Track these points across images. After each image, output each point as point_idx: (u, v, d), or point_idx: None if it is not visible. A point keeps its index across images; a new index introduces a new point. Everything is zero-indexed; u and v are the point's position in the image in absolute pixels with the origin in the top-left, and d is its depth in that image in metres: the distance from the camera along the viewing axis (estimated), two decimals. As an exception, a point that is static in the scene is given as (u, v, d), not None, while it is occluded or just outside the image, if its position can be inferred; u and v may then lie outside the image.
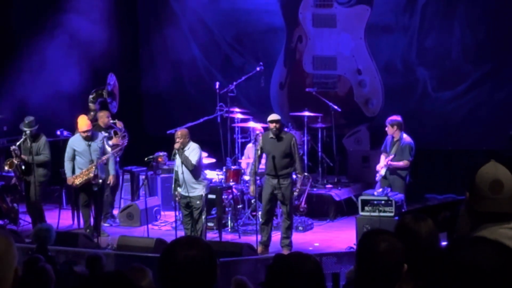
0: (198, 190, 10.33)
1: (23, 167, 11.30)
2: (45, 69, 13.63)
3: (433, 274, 3.38)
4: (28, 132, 11.10)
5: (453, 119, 13.41)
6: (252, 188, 10.74)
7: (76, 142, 10.93)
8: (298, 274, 2.95)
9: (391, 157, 11.05)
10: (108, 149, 10.86)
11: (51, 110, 12.86)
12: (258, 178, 11.28)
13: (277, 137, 10.27)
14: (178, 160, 10.27)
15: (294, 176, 10.42)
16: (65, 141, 11.44)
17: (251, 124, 12.25)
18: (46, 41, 13.49)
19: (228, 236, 11.22)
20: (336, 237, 11.30)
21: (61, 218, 12.02)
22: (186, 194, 10.28)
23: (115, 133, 11.95)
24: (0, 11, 14.34)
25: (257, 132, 11.67)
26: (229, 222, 11.52)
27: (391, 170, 11.11)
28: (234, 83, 12.71)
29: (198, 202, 10.31)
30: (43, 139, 11.34)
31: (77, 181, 10.86)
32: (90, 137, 10.83)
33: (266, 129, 10.83)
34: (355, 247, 9.45)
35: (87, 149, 10.81)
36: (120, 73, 13.53)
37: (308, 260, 3.01)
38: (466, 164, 11.96)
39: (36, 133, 11.24)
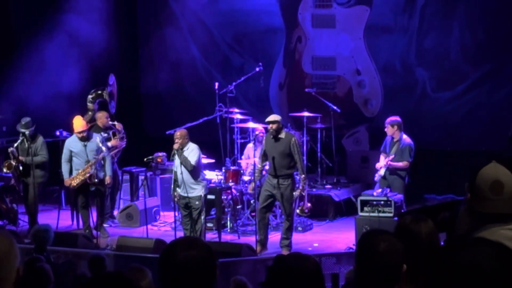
0: (197, 190, 10.34)
1: (21, 169, 11.29)
2: (44, 69, 13.62)
3: (433, 275, 3.38)
4: (27, 133, 11.09)
5: (452, 120, 13.41)
6: (251, 186, 10.80)
7: (72, 143, 10.93)
8: (297, 275, 2.96)
9: (391, 157, 11.05)
10: (103, 148, 10.82)
11: (50, 110, 12.86)
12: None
13: (276, 138, 10.29)
14: (177, 160, 10.27)
15: (297, 177, 10.41)
16: (64, 141, 11.43)
17: (251, 124, 12.25)
18: (46, 42, 13.50)
19: (227, 237, 11.22)
20: (335, 237, 11.30)
21: (60, 219, 12.02)
22: (185, 195, 10.28)
23: (114, 134, 11.94)
24: (0, 11, 14.33)
25: (257, 132, 11.66)
26: (228, 222, 11.52)
27: (390, 170, 11.11)
28: (234, 83, 12.72)
29: (197, 202, 10.31)
30: (40, 139, 11.34)
31: (74, 183, 10.86)
32: (86, 138, 10.83)
33: (267, 129, 10.84)
34: (354, 247, 9.46)
35: (83, 149, 10.80)
36: (120, 73, 13.53)
37: (307, 261, 3.02)
38: (466, 165, 11.95)
39: (33, 134, 11.23)
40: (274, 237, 10.78)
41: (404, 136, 11.19)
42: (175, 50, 15.28)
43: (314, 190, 12.72)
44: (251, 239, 10.57)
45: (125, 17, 15.44)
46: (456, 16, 13.33)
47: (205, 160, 11.60)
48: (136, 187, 12.85)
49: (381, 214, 10.12)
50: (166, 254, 2.70)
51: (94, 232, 10.81)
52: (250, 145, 11.94)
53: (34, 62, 13.74)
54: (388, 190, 10.62)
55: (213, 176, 11.71)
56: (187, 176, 10.25)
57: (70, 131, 11.85)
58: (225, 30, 15.02)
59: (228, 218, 11.51)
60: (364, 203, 10.31)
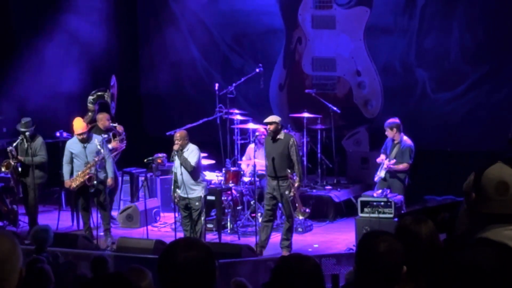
0: (197, 191, 10.33)
1: (19, 169, 11.28)
2: (45, 70, 13.63)
3: (433, 276, 3.38)
4: (27, 133, 11.09)
5: (452, 120, 13.41)
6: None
7: (72, 145, 10.92)
8: (297, 275, 2.96)
9: (392, 161, 11.03)
10: (102, 150, 10.79)
11: (50, 111, 12.86)
12: (258, 180, 11.30)
13: (274, 139, 10.29)
14: (177, 161, 10.27)
15: (294, 178, 10.38)
16: (64, 142, 11.43)
17: (251, 125, 12.25)
18: (46, 42, 13.50)
19: (227, 238, 11.22)
20: (335, 238, 11.30)
21: (60, 220, 12.03)
22: (185, 196, 10.28)
23: (114, 136, 11.94)
24: (0, 11, 14.33)
25: (257, 133, 11.67)
26: (229, 223, 11.52)
27: (390, 172, 11.11)
28: (234, 84, 12.72)
29: (197, 203, 10.31)
30: (39, 140, 11.33)
31: (74, 184, 10.85)
32: (86, 139, 10.82)
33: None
34: (354, 248, 9.46)
35: (83, 151, 10.79)
36: (120, 74, 13.52)
37: (307, 262, 3.02)
38: (466, 165, 11.93)
39: (32, 134, 11.23)
40: (275, 238, 10.77)
41: (405, 138, 11.18)
42: (175, 50, 15.28)
43: (314, 191, 12.72)
44: (251, 240, 10.56)
45: (125, 17, 15.45)
46: (456, 16, 13.33)
47: (205, 161, 11.60)
48: (136, 188, 12.85)
49: (381, 215, 10.12)
50: (165, 255, 2.70)
51: (94, 232, 10.80)
52: (252, 146, 11.94)
53: (34, 63, 13.75)
54: (388, 191, 10.61)
55: (213, 177, 11.71)
56: (187, 177, 10.25)
57: (70, 132, 11.85)
58: (225, 31, 15.02)
59: (228, 219, 11.51)
60: (364, 204, 10.30)
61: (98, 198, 10.92)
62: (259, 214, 11.14)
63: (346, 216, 12.26)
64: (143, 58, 15.89)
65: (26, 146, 11.17)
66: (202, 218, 10.35)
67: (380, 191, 10.56)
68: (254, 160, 11.07)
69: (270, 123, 10.29)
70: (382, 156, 11.25)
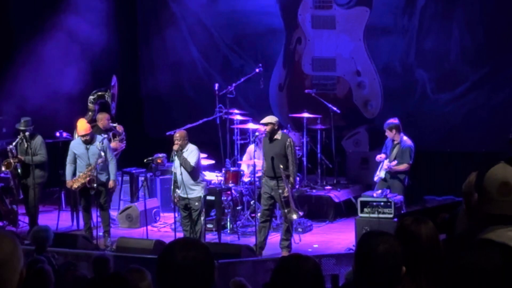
0: (196, 191, 10.34)
1: (19, 170, 11.27)
2: (44, 70, 13.62)
3: (434, 276, 3.38)
4: (26, 133, 11.08)
5: (452, 121, 13.41)
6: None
7: (76, 145, 10.93)
8: (297, 276, 2.96)
9: (393, 163, 11.03)
10: (102, 153, 10.75)
11: (50, 111, 12.85)
12: (257, 180, 11.29)
13: (271, 139, 10.29)
14: (176, 161, 10.27)
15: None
16: (64, 142, 11.43)
17: (250, 125, 12.25)
18: (46, 42, 13.49)
19: (227, 238, 11.22)
20: (335, 238, 11.30)
21: (60, 220, 12.02)
22: (185, 196, 10.28)
23: (114, 136, 11.93)
24: (0, 12, 14.33)
25: (257, 134, 11.67)
26: (228, 223, 11.52)
27: (391, 173, 11.11)
28: (233, 84, 12.72)
29: (196, 203, 10.31)
30: (39, 139, 11.32)
31: (75, 185, 10.85)
32: (89, 141, 10.81)
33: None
34: (354, 248, 9.45)
35: (85, 152, 10.79)
36: (120, 74, 13.53)
37: (307, 262, 3.02)
38: (465, 166, 11.95)
39: (32, 133, 11.23)
40: (274, 238, 10.77)
41: (405, 138, 11.18)
42: (175, 51, 15.28)
43: (314, 191, 12.72)
44: (251, 240, 10.57)
45: (125, 17, 15.44)
46: (455, 17, 13.33)
47: (205, 161, 11.60)
48: (136, 188, 12.85)
49: (381, 215, 10.12)
50: (164, 255, 2.70)
51: (94, 232, 10.80)
52: (252, 146, 11.94)
53: (34, 63, 13.73)
54: (388, 191, 10.62)
55: (213, 177, 11.72)
56: (186, 177, 10.25)
57: (71, 132, 11.85)
58: (225, 31, 15.01)
59: (228, 219, 11.51)
60: (364, 204, 10.31)
61: (98, 199, 10.92)
62: (259, 214, 11.13)
63: (346, 216, 12.26)
64: (143, 59, 15.88)
65: (25, 145, 11.16)
66: (202, 218, 10.35)
67: (380, 191, 10.56)
68: (254, 160, 11.07)
69: (266, 124, 10.29)
70: (382, 155, 11.24)
